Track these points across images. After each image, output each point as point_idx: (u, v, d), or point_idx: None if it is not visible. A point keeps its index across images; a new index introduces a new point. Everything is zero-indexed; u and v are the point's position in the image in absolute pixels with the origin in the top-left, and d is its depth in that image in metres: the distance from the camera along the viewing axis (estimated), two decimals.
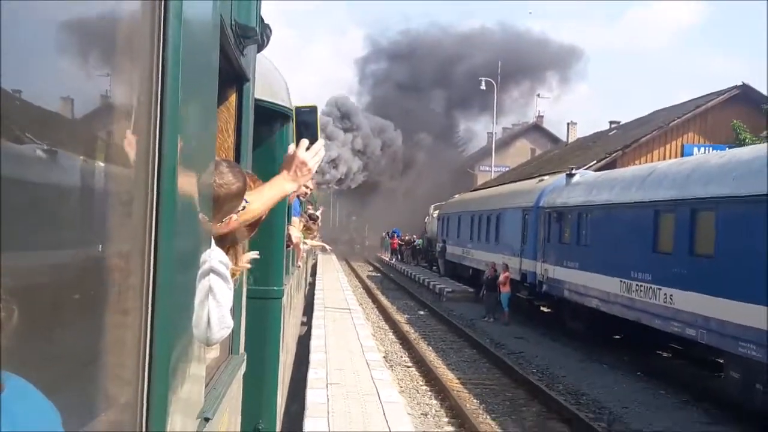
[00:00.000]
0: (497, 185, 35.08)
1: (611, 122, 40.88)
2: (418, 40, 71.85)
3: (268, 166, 4.36)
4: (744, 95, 28.60)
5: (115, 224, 1.27)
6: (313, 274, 27.74)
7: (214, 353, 2.61)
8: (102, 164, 1.21)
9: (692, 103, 30.30)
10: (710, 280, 11.27)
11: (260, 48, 3.30)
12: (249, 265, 2.91)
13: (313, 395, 9.59)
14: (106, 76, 1.23)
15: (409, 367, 14.36)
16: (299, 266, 9.55)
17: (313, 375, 10.76)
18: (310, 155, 2.68)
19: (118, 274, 1.29)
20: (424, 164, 64.77)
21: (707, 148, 26.46)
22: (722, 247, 11.04)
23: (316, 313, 17.51)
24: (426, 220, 44.78)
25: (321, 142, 2.79)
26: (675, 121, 28.92)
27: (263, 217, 2.62)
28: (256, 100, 3.44)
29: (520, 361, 14.88)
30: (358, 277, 36.81)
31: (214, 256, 2.09)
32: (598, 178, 17.82)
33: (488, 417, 10.72)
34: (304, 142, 2.70)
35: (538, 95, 66.71)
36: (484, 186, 43.23)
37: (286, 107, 4.77)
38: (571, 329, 18.07)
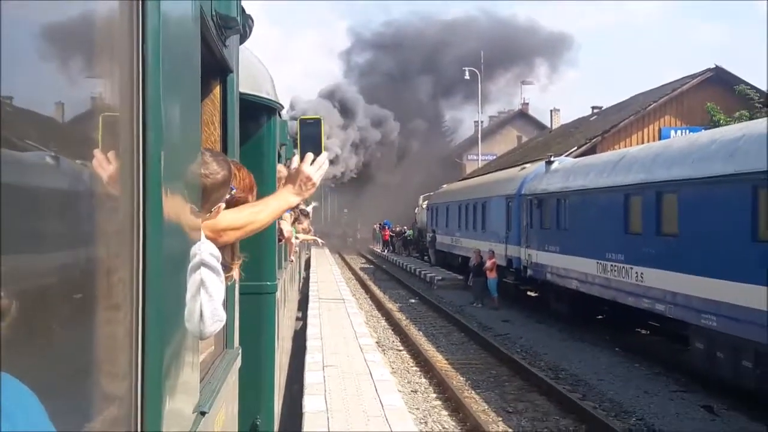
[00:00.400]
0: (483, 174, 35.91)
1: (593, 107, 41.77)
2: (401, 31, 72.58)
3: (255, 159, 4.33)
4: (717, 77, 29.54)
5: (102, 220, 1.25)
6: (307, 268, 28.51)
7: (209, 347, 2.63)
8: (84, 160, 1.20)
9: (668, 87, 31.24)
10: (676, 257, 12.14)
11: (242, 39, 3.31)
12: (243, 258, 2.97)
13: (310, 377, 10.41)
14: (84, 70, 1.21)
15: (400, 350, 15.20)
16: (292, 261, 9.67)
17: (310, 359, 11.57)
18: (315, 169, 2.75)
19: (106, 270, 1.27)
20: (413, 155, 65.61)
21: (684, 131, 27.33)
22: (685, 226, 11.91)
23: (311, 304, 18.31)
24: (416, 210, 45.61)
25: (325, 155, 2.85)
26: (651, 105, 29.89)
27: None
28: (242, 94, 3.43)
29: (506, 342, 15.74)
30: (351, 269, 37.62)
31: (204, 249, 2.10)
32: (575, 165, 18.68)
33: (473, 392, 11.57)
34: (309, 156, 2.77)
35: (523, 82, 67.39)
36: (472, 175, 44.05)
37: (272, 100, 4.79)
38: (555, 311, 18.94)
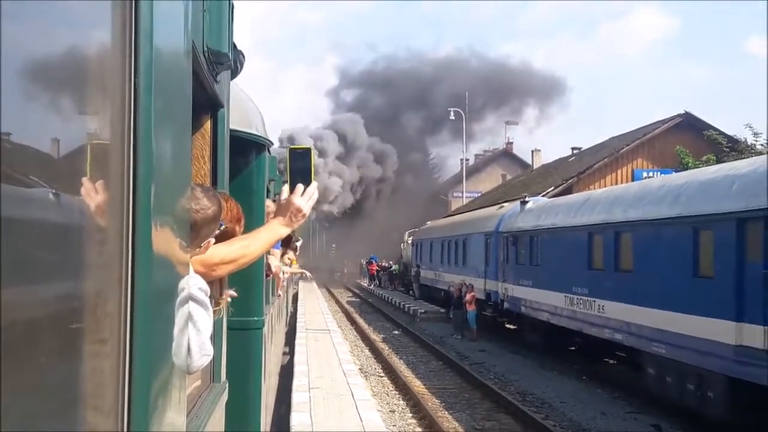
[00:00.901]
0: (466, 212, 37.22)
1: (573, 148, 43.35)
2: (389, 69, 74.29)
3: (244, 195, 4.35)
4: (687, 122, 31.19)
5: (91, 254, 1.25)
6: (294, 302, 29.53)
7: (195, 381, 2.61)
8: (74, 192, 1.20)
9: (641, 131, 32.86)
10: (631, 291, 13.38)
11: (234, 74, 3.35)
12: (234, 294, 3.00)
13: (297, 397, 11.50)
14: (76, 104, 1.21)
15: (381, 376, 16.29)
16: (279, 295, 9.71)
17: (297, 382, 12.65)
18: (305, 200, 2.76)
19: (94, 303, 1.26)
20: (401, 191, 66.97)
21: (655, 173, 28.77)
22: (639, 263, 13.18)
23: (298, 334, 19.38)
24: (402, 246, 46.79)
25: (314, 185, 2.84)
26: (624, 149, 31.47)
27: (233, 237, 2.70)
28: (232, 131, 3.43)
29: (480, 370, 16.86)
30: (337, 302, 38.63)
31: (192, 283, 2.10)
32: (546, 205, 20.01)
33: (446, 413, 12.67)
34: (300, 187, 2.77)
35: (507, 123, 69.22)
36: (456, 212, 45.38)
37: (261, 137, 4.83)
38: (529, 342, 20.08)
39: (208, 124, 3.06)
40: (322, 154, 59.76)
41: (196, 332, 2.11)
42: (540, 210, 19.88)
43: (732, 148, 28.85)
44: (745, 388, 10.04)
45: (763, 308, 9.51)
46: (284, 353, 15.18)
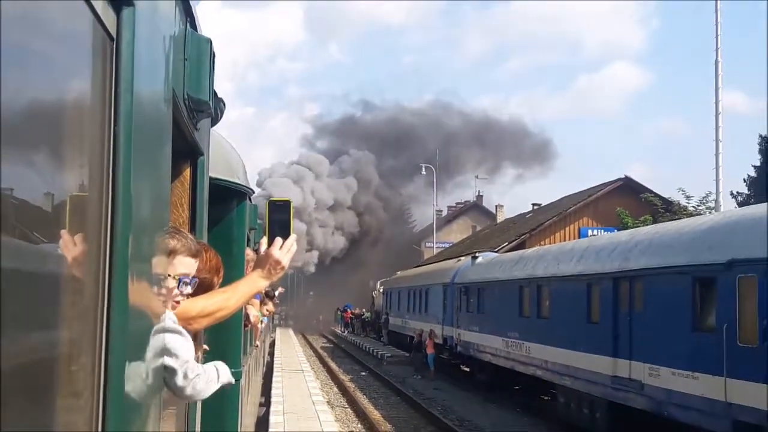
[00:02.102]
0: (432, 263, 40.28)
1: (533, 204, 46.80)
2: (365, 120, 76.71)
3: (224, 243, 4.29)
4: (626, 186, 34.79)
5: (66, 303, 1.23)
6: (271, 352, 32.07)
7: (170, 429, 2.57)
8: (51, 241, 1.18)
9: (586, 192, 36.40)
10: (548, 334, 16.42)
11: (214, 122, 3.34)
12: (206, 348, 3.06)
13: (274, 418, 14.30)
14: (55, 150, 1.19)
15: (345, 408, 19.10)
16: (257, 345, 9.70)
17: (273, 408, 15.45)
18: (284, 253, 2.77)
19: (68, 356, 1.24)
20: (379, 242, 69.68)
21: (599, 231, 32.11)
22: (553, 311, 16.27)
23: (275, 374, 22.12)
24: (374, 294, 49.61)
25: (293, 237, 2.83)
26: (571, 208, 34.94)
27: (211, 288, 2.66)
28: (213, 179, 3.42)
29: (431, 403, 19.71)
30: (312, 347, 41.23)
31: (167, 317, 2.10)
32: (492, 260, 23.16)
33: None
34: (278, 241, 2.79)
35: (477, 177, 72.32)
36: (425, 263, 48.44)
37: (242, 185, 4.79)
38: (479, 381, 22.95)
39: (187, 172, 3.06)
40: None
41: (174, 357, 2.11)
42: (486, 265, 23.02)
43: (666, 209, 32.33)
44: (620, 409, 13.03)
45: (629, 346, 12.59)
46: (260, 404, 15.32)
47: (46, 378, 1.17)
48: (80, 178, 1.32)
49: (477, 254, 25.24)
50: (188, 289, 2.35)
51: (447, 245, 61.22)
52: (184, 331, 2.18)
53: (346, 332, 53.01)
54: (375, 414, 17.94)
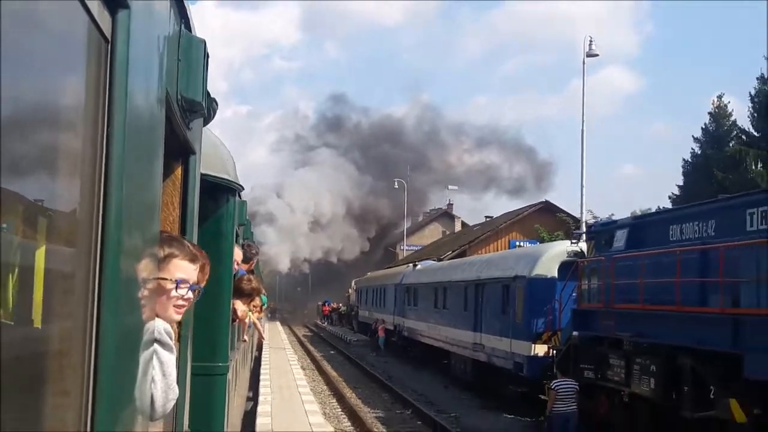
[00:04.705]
0: (396, 266, 48.69)
1: (486, 216, 55.32)
2: (347, 125, 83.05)
3: (213, 240, 4.42)
4: (547, 207, 43.45)
5: (56, 302, 1.24)
6: (260, 349, 40.27)
7: (157, 429, 2.57)
8: (43, 241, 1.19)
9: (515, 212, 45.02)
10: (448, 320, 24.84)
11: (206, 121, 3.42)
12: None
13: (263, 383, 22.52)
14: (50, 150, 1.21)
15: (313, 370, 27.52)
16: (245, 340, 9.69)
17: (263, 369, 23.72)
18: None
19: (58, 353, 1.25)
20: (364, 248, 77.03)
21: (525, 243, 40.55)
22: (449, 305, 24.71)
23: (265, 349, 30.38)
24: (349, 291, 58.02)
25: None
26: (503, 225, 43.55)
27: (201, 286, 2.59)
28: (203, 174, 3.47)
29: (374, 367, 28.09)
30: (295, 335, 49.61)
31: (158, 326, 2.13)
32: (425, 268, 31.66)
33: (345, 384, 23.87)
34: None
35: (448, 188, 79.80)
36: (396, 264, 56.69)
37: (232, 181, 4.86)
38: (414, 356, 31.37)
39: (179, 171, 3.04)
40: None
41: (161, 377, 2.14)
42: (421, 271, 31.51)
43: (577, 227, 40.84)
44: (479, 364, 21.42)
45: (474, 324, 21.03)
46: (248, 398, 15.82)
47: (36, 378, 1.16)
48: (74, 178, 1.32)
49: (417, 263, 33.71)
50: (189, 294, 2.32)
51: (418, 248, 69.41)
52: (173, 346, 2.23)
53: (325, 324, 61.39)
54: (333, 374, 26.36)
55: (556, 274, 17.04)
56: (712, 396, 9.76)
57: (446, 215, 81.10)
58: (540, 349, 16.76)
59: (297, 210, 70.38)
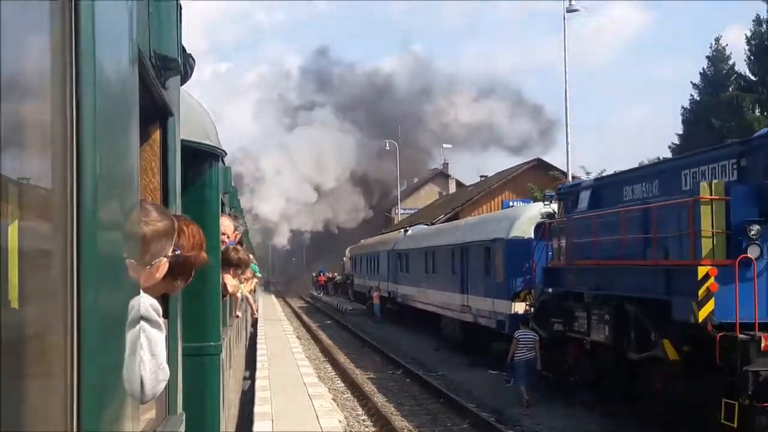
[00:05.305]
0: (389, 231, 50.73)
1: (481, 176, 57.25)
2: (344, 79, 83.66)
3: (197, 210, 4.38)
4: (540, 165, 45.35)
5: (32, 279, 1.24)
6: (254, 324, 42.47)
7: (149, 414, 2.57)
8: (16, 217, 1.18)
9: (507, 171, 46.92)
10: (438, 284, 26.90)
11: (183, 80, 3.40)
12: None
13: (260, 353, 24.62)
14: (15, 114, 1.19)
15: (308, 339, 29.71)
16: (238, 316, 9.74)
17: (260, 341, 25.82)
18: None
19: (37, 333, 1.26)
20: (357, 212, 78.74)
21: (517, 203, 42.49)
22: (438, 269, 26.76)
23: (260, 321, 32.52)
24: (344, 259, 60.14)
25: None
26: (495, 185, 45.49)
27: (196, 267, 2.63)
28: (182, 141, 3.44)
29: (367, 333, 30.25)
30: (290, 307, 51.84)
31: (144, 302, 2.10)
32: (415, 233, 33.69)
33: (338, 349, 26.03)
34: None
35: (443, 146, 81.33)
36: (392, 229, 58.53)
37: (214, 147, 4.86)
38: (408, 321, 33.54)
39: (156, 134, 3.00)
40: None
41: (150, 356, 2.13)
42: (411, 237, 33.55)
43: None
44: (467, 324, 23.52)
45: (461, 287, 23.09)
46: (245, 378, 15.77)
47: (16, 361, 1.16)
48: (43, 148, 1.30)
49: (408, 228, 35.73)
50: (164, 261, 2.31)
51: (413, 211, 71.15)
52: (161, 323, 2.23)
53: (321, 294, 63.63)
54: (328, 342, 28.54)
55: (532, 235, 19.01)
56: (653, 339, 11.80)
57: (442, 175, 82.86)
58: (519, 307, 18.82)
59: (294, 177, 70.41)
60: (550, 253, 17.22)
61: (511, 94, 76.96)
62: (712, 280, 10.20)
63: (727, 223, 10.43)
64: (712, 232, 10.40)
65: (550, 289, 16.53)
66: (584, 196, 15.69)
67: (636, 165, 40.77)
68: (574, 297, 15.10)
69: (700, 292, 10.21)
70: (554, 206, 18.40)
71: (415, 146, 75.93)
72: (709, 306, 10.22)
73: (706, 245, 10.41)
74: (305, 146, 70.71)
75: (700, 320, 10.24)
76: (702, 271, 10.22)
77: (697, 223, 10.42)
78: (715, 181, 10.77)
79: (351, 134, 75.03)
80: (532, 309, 17.45)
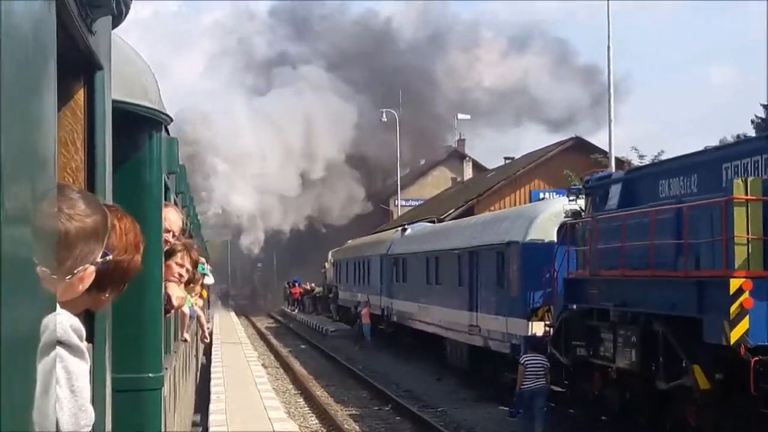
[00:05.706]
0: (387, 229, 52.10)
1: (506, 158, 58.74)
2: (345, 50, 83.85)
3: (132, 190, 4.39)
4: (578, 145, 46.75)
5: None
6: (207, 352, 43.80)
7: None
8: None
9: (537, 153, 48.29)
10: (440, 297, 28.34)
11: (116, 22, 3.37)
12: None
13: (215, 371, 26.07)
14: None
15: (278, 368, 31.21)
16: (186, 340, 9.69)
17: (215, 362, 27.28)
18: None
19: None
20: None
21: (550, 193, 43.94)
22: (442, 279, 28.22)
23: (215, 346, 33.96)
24: (325, 266, 61.20)
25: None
26: (520, 171, 46.93)
27: (130, 274, 2.63)
28: (115, 102, 3.45)
29: (356, 362, 31.72)
30: (255, 327, 53.26)
31: (61, 321, 2.09)
32: (415, 233, 35.19)
33: (315, 380, 27.50)
34: None
35: (457, 117, 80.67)
36: (397, 222, 59.23)
37: (156, 110, 4.84)
38: (403, 345, 34.95)
39: (80, 94, 3.03)
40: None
41: (69, 394, 2.13)
42: (410, 237, 35.04)
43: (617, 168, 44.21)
44: (475, 349, 24.96)
45: (469, 302, 24.55)
46: (195, 424, 15.84)
47: None
48: None
49: (407, 226, 37.20)
50: (90, 269, 2.28)
51: (417, 203, 71.75)
52: (84, 349, 2.20)
53: (296, 311, 64.83)
54: (298, 368, 30.03)
55: (555, 238, 20.37)
56: (684, 364, 13.22)
57: (456, 156, 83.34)
58: (537, 328, 20.21)
59: (273, 157, 70.42)
60: (575, 261, 18.58)
61: (553, 46, 77.43)
62: (746, 294, 11.58)
63: (765, 228, 11.80)
64: (748, 238, 11.77)
65: (573, 306, 17.88)
66: (614, 192, 17.07)
67: (716, 143, 41.71)
68: (599, 315, 16.51)
69: (733, 308, 11.59)
70: (581, 202, 19.73)
71: (422, 117, 76.48)
72: (743, 325, 11.61)
73: (740, 254, 11.79)
74: (286, 116, 70.78)
75: (732, 342, 11.62)
76: (735, 284, 11.60)
77: (729, 228, 11.79)
78: (750, 178, 12.14)
79: (351, 100, 74.87)
80: (551, 330, 18.81)
